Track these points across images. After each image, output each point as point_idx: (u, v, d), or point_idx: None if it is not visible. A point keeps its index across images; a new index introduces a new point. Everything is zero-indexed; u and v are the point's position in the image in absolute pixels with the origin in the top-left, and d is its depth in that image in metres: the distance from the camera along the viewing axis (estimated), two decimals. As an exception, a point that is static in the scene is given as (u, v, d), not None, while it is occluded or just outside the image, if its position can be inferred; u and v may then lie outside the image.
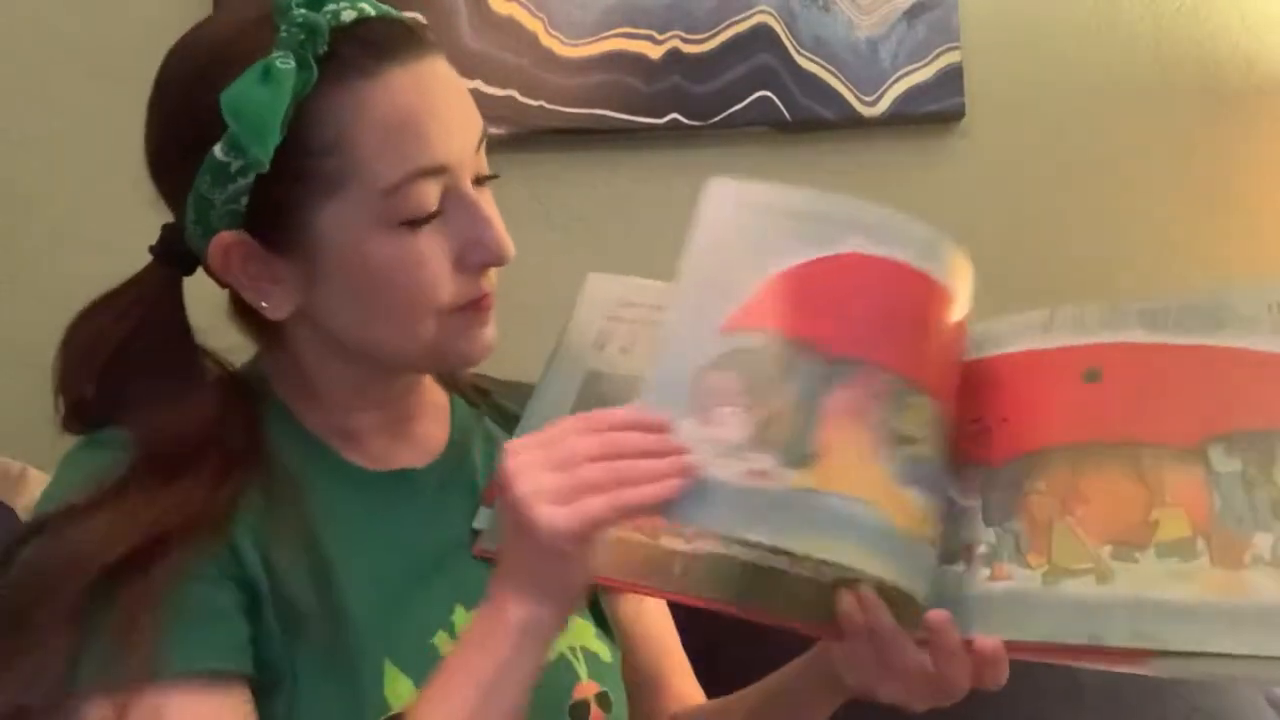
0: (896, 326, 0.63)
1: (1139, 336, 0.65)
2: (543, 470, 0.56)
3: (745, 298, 0.62)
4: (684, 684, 0.86)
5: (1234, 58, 1.33)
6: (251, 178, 0.62)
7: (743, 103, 1.29)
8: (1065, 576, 0.60)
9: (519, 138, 1.29)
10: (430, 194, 0.64)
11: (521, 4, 1.29)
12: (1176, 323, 0.64)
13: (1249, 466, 0.59)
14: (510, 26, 1.29)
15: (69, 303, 0.69)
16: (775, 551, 0.60)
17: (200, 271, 0.70)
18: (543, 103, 1.29)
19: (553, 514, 0.55)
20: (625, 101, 1.29)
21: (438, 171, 0.64)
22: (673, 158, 1.32)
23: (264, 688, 0.63)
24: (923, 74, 1.29)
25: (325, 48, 0.61)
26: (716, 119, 1.30)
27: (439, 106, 0.64)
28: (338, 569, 0.66)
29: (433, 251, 0.64)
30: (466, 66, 1.28)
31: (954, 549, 0.63)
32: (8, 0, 1.28)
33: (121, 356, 0.67)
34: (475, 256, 0.66)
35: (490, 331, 0.69)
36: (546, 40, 1.29)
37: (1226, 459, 0.59)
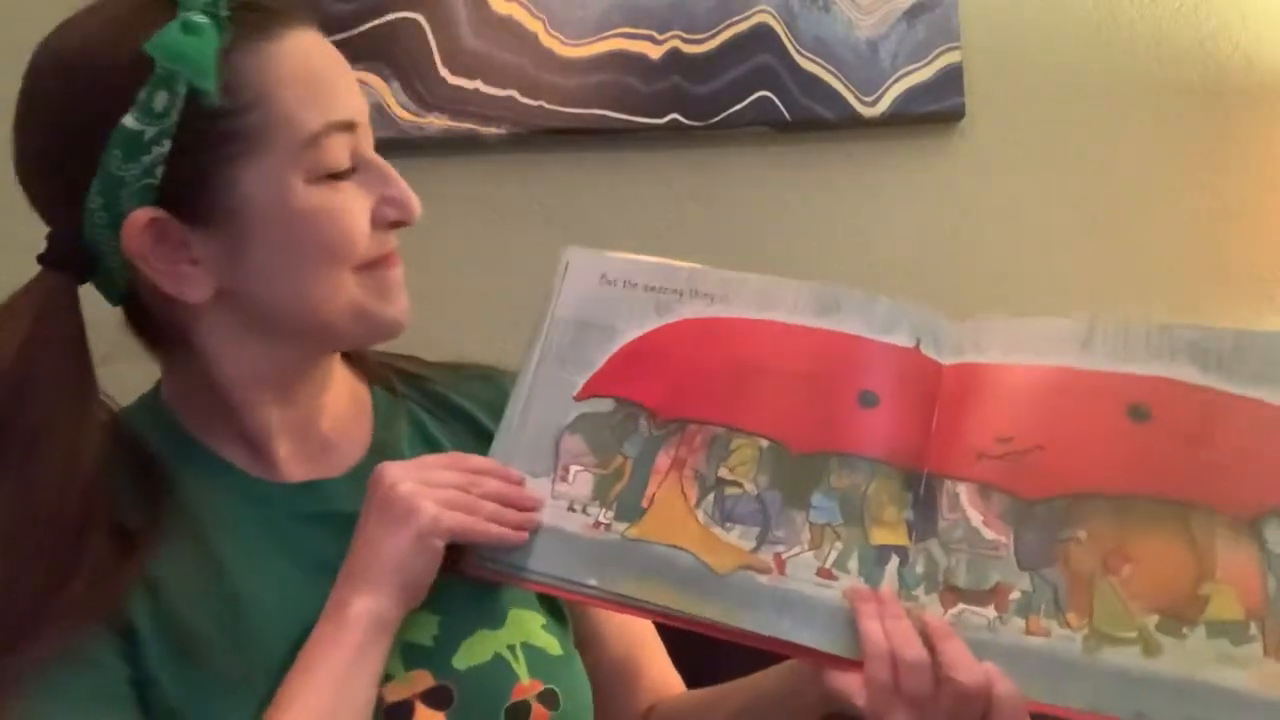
0: (719, 380, 0.69)
1: (1191, 375, 0.61)
2: (418, 481, 0.64)
3: (597, 367, 0.71)
4: (661, 672, 0.83)
5: (1234, 57, 1.31)
6: (167, 146, 0.62)
7: (743, 103, 1.28)
8: (1108, 644, 0.57)
9: (519, 138, 1.29)
10: (344, 147, 0.66)
11: (521, 4, 1.29)
12: (1230, 366, 0.60)
13: None
14: (510, 26, 1.29)
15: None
16: (606, 594, 0.65)
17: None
18: (543, 103, 1.28)
19: (437, 509, 0.62)
20: (625, 101, 1.28)
21: (349, 126, 0.66)
22: (673, 158, 1.31)
23: None
24: (922, 74, 1.28)
25: (227, 11, 0.63)
26: (716, 119, 1.29)
27: (339, 68, 0.67)
28: (245, 598, 0.65)
29: (352, 204, 0.66)
30: (466, 67, 1.28)
31: (980, 588, 0.60)
32: (7, 1, 1.24)
33: (13, 376, 0.63)
34: (388, 213, 0.68)
35: (405, 299, 0.70)
36: (546, 40, 1.29)
37: None
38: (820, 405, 0.67)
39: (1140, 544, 0.58)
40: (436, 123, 1.28)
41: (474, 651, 0.68)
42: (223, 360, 0.68)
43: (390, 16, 1.29)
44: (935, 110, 1.28)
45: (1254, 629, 0.55)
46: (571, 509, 0.67)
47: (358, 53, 1.26)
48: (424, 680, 0.66)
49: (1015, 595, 0.60)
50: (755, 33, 1.29)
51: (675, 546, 0.65)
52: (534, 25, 1.29)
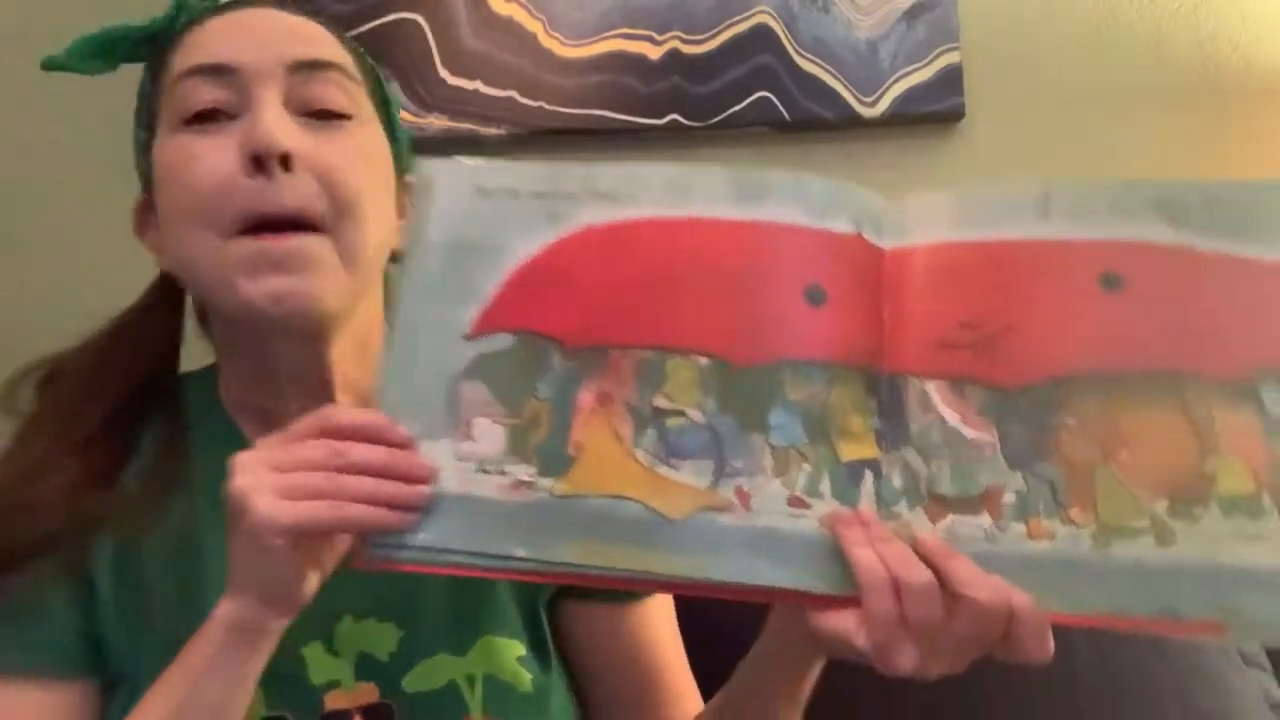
0: (639, 294, 0.58)
1: (1162, 234, 0.55)
2: (266, 468, 0.54)
3: (488, 297, 0.59)
4: (681, 709, 0.74)
5: (1234, 58, 1.33)
6: (145, 128, 0.69)
7: (742, 103, 1.28)
8: (1118, 537, 0.52)
9: (519, 138, 1.27)
10: (202, 91, 0.65)
11: (521, 4, 1.30)
12: (1202, 220, 0.55)
13: None
14: (510, 27, 1.29)
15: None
16: (543, 564, 0.55)
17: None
18: (542, 103, 1.27)
19: (271, 504, 0.53)
20: (625, 102, 1.28)
21: (217, 70, 0.65)
22: (672, 158, 1.27)
23: (110, 685, 0.64)
24: (922, 74, 1.29)
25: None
26: (716, 119, 1.28)
27: (242, 18, 0.68)
28: (210, 571, 0.64)
29: (209, 151, 0.64)
30: (466, 67, 1.27)
31: (968, 494, 0.54)
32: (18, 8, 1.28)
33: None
34: (242, 148, 0.63)
35: (284, 281, 0.63)
36: (546, 41, 1.29)
37: None
38: (762, 308, 0.58)
39: (1136, 424, 0.53)
40: (436, 123, 1.27)
41: (429, 675, 0.64)
42: (219, 356, 0.72)
43: (390, 17, 1.28)
44: (935, 110, 1.28)
45: (1267, 500, 0.51)
46: (483, 470, 0.57)
47: (358, 54, 1.25)
48: (369, 694, 0.64)
49: (1009, 498, 0.54)
50: (755, 33, 1.29)
51: (617, 496, 0.56)
52: (534, 26, 1.29)
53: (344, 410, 0.57)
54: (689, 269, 0.59)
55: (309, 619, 0.62)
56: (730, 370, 0.57)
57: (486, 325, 0.59)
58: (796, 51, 1.30)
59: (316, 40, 0.69)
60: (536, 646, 0.69)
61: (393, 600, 0.67)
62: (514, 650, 0.67)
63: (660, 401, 0.57)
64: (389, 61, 1.27)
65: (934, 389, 0.56)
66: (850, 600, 0.53)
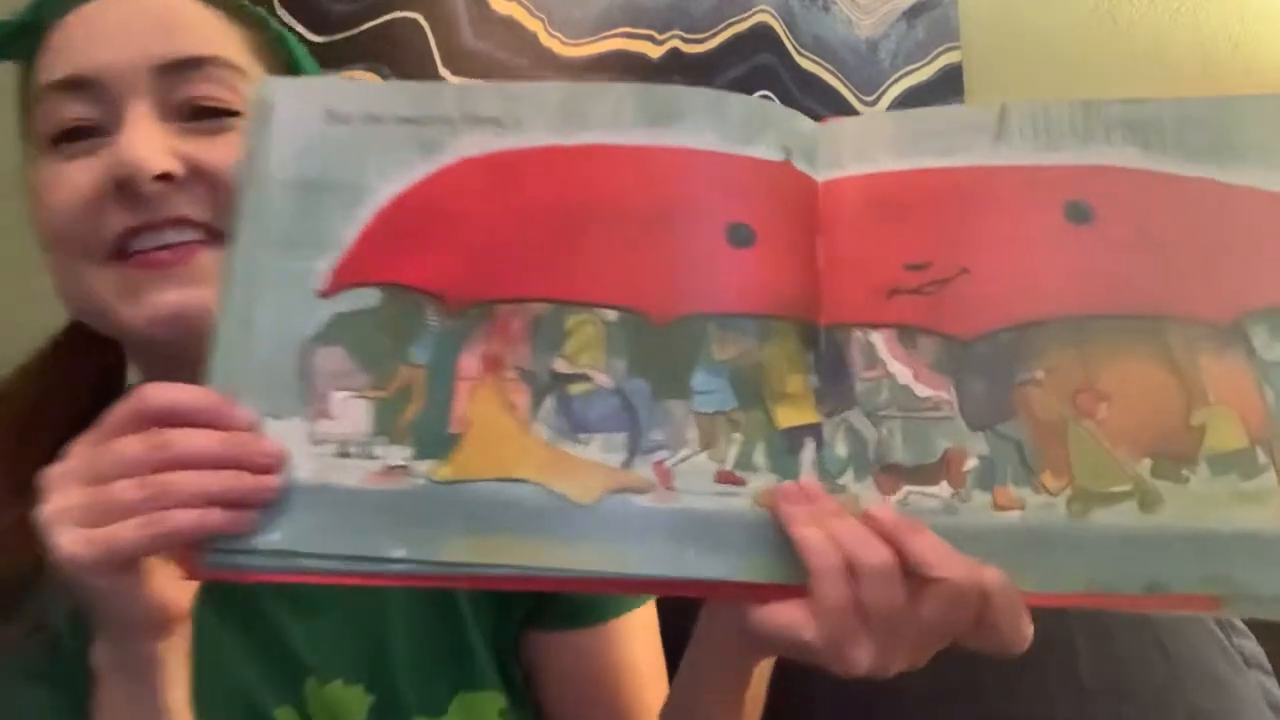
0: (530, 238, 0.49)
1: (1132, 158, 0.48)
2: (76, 482, 0.46)
3: (346, 245, 0.49)
4: None
5: (1233, 58, 1.33)
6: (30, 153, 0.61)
7: None
8: (1098, 503, 0.45)
9: None
10: (65, 108, 0.57)
11: (522, 4, 1.27)
12: (1178, 142, 0.48)
13: None
14: (510, 26, 1.27)
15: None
16: (424, 566, 0.46)
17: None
18: None
19: (72, 541, 0.44)
20: None
21: (77, 84, 0.57)
22: None
23: None
24: (922, 74, 1.30)
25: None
26: None
27: (101, 15, 0.59)
28: None
29: (76, 175, 0.57)
30: (467, 67, 1.25)
31: (924, 461, 0.47)
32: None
33: None
34: (111, 172, 0.56)
35: (169, 300, 0.56)
36: (546, 40, 1.27)
37: (1274, 342, 0.46)
38: (678, 251, 0.49)
39: (1113, 374, 0.46)
40: (437, 123, 1.21)
41: None
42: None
43: (390, 16, 1.25)
44: (935, 110, 1.30)
45: (1262, 455, 0.45)
46: (345, 454, 0.47)
47: (358, 53, 1.21)
48: None
49: (971, 463, 0.47)
50: (755, 33, 1.28)
51: (511, 479, 0.47)
52: (534, 25, 1.27)
53: (165, 389, 0.46)
54: (589, 207, 0.49)
55: (274, 681, 0.58)
56: (643, 326, 0.48)
57: (345, 279, 0.49)
58: (797, 51, 1.30)
59: (186, 30, 0.60)
60: (510, 688, 0.62)
61: (359, 657, 0.60)
62: (494, 704, 0.61)
63: (560, 365, 0.48)
64: (389, 61, 1.24)
65: (880, 341, 0.49)
66: (796, 590, 0.45)
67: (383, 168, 0.50)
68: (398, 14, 1.25)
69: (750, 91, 1.23)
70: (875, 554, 0.43)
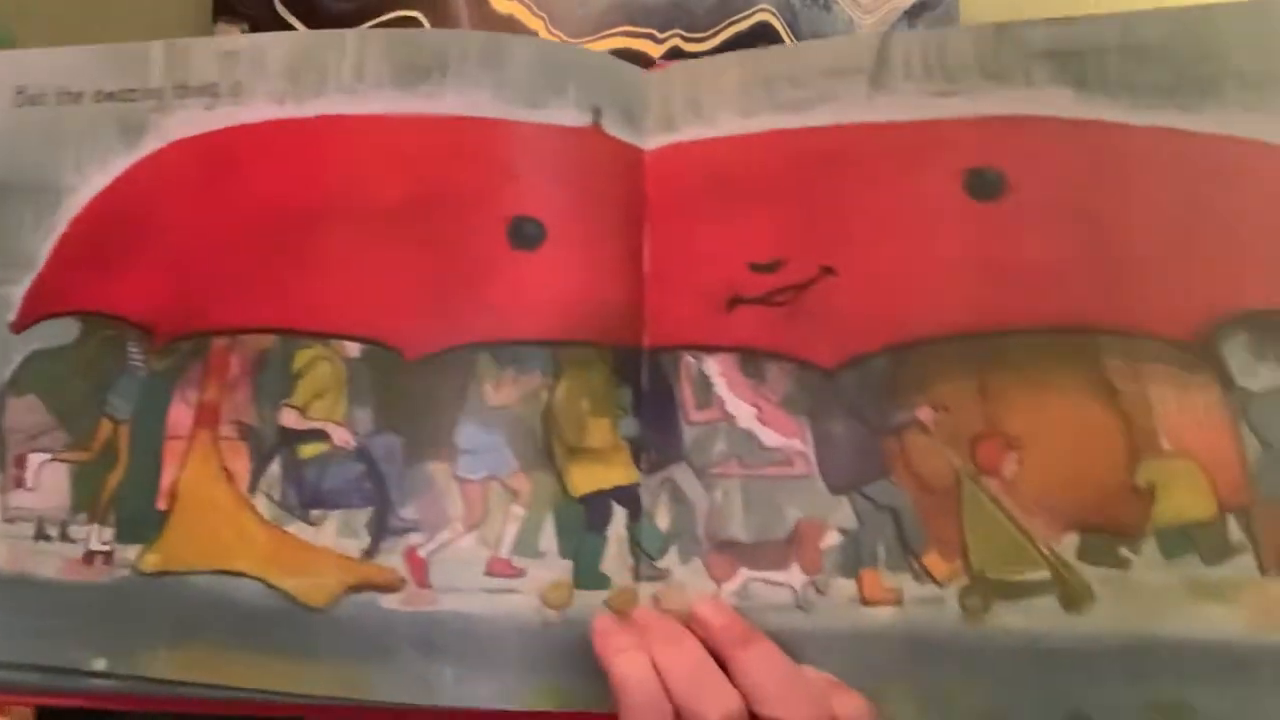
0: (250, 247, 0.37)
1: (1061, 104, 0.34)
2: None
3: (40, 263, 0.39)
4: None
5: None
6: None
7: None
8: (1002, 597, 0.33)
9: None
10: None
11: (522, 2, 1.20)
12: (1123, 78, 0.34)
13: None
14: (511, 25, 1.20)
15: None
16: (127, 683, 0.36)
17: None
18: None
19: None
20: None
21: None
22: None
23: None
24: None
25: None
26: None
27: None
28: None
29: None
30: None
31: (769, 537, 0.34)
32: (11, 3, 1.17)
33: None
34: None
35: None
36: (547, 39, 1.18)
37: (1258, 363, 0.32)
38: (443, 259, 0.36)
39: (1026, 414, 0.33)
40: (438, 123, 1.14)
41: None
42: None
43: (390, 15, 1.17)
44: (938, 111, 1.20)
45: (1236, 529, 0.31)
46: (43, 535, 0.38)
47: (359, 52, 1.13)
48: None
49: (831, 539, 0.34)
50: (756, 32, 1.20)
51: (227, 573, 0.35)
52: (534, 24, 1.22)
53: None
54: (326, 202, 0.37)
55: None
56: (394, 363, 0.36)
57: (37, 308, 0.39)
58: (799, 50, 1.24)
59: None
60: None
61: None
62: None
63: (288, 418, 0.36)
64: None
65: (717, 370, 0.36)
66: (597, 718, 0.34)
67: (80, 161, 0.39)
68: (399, 12, 1.21)
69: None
70: (717, 707, 0.31)
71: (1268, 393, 0.32)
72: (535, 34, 1.20)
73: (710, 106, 0.37)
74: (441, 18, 1.18)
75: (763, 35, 1.25)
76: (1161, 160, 0.33)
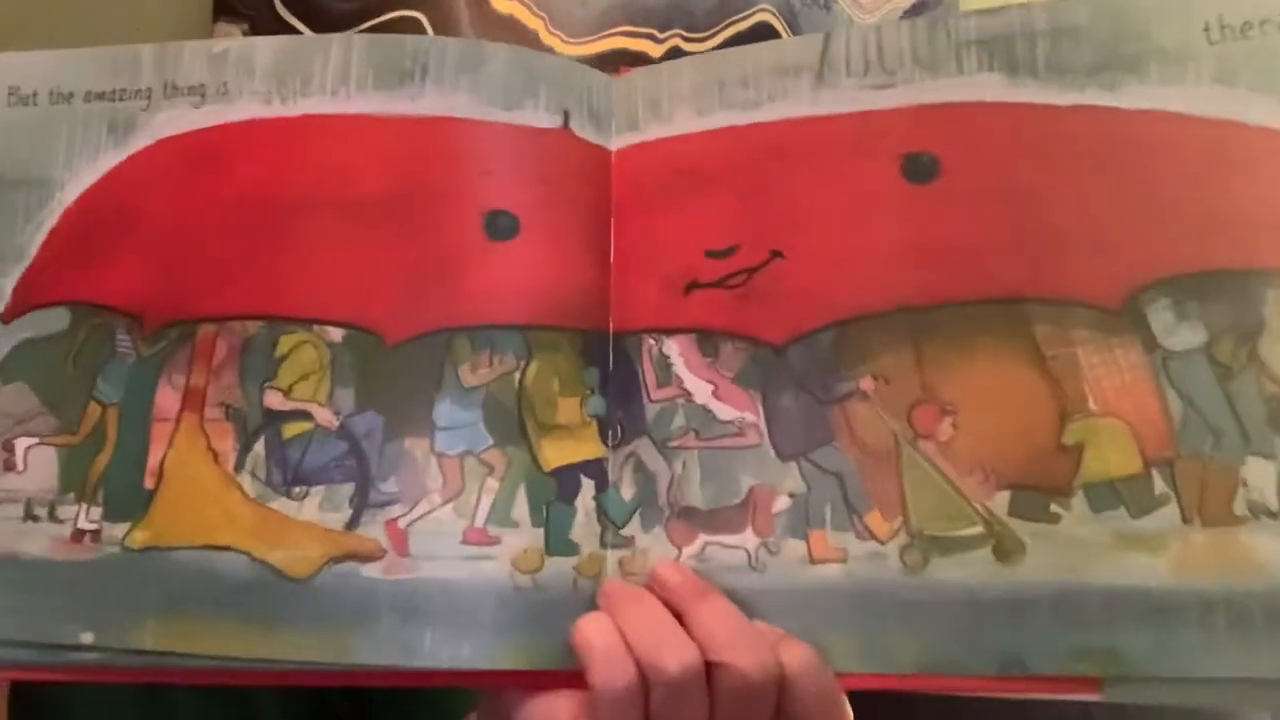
0: (237, 239, 0.39)
1: (992, 89, 0.37)
2: None
3: (30, 255, 0.40)
4: None
5: None
6: None
7: None
8: (939, 552, 0.35)
9: None
10: None
11: (522, 2, 1.23)
12: (1051, 61, 0.37)
13: (1219, 337, 0.34)
14: (511, 25, 1.23)
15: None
16: (116, 655, 0.38)
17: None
18: None
19: None
20: None
21: None
22: None
23: None
24: None
25: None
26: None
27: None
28: None
29: None
30: None
31: (726, 503, 0.37)
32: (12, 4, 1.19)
33: None
34: None
35: None
36: (547, 39, 1.22)
37: (1178, 324, 0.35)
38: (423, 249, 0.39)
39: (960, 381, 0.36)
40: (439, 122, 1.18)
41: None
42: None
43: (391, 15, 1.21)
44: (938, 111, 1.23)
45: (1161, 482, 0.34)
46: (32, 516, 0.39)
47: (360, 52, 1.17)
48: None
49: (782, 503, 0.36)
50: (756, 31, 1.24)
51: (214, 547, 0.37)
52: (534, 24, 1.25)
53: None
54: (310, 196, 0.39)
55: None
56: (375, 346, 0.38)
57: (28, 298, 0.41)
58: (799, 50, 1.27)
59: None
60: None
61: None
62: None
63: (273, 399, 0.38)
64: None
65: (676, 350, 0.38)
66: (568, 678, 0.35)
67: (70, 157, 0.41)
68: (399, 12, 1.25)
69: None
70: (676, 659, 0.33)
71: (1189, 352, 0.34)
72: (535, 34, 1.23)
73: (669, 107, 0.40)
74: (442, 18, 1.22)
75: (763, 35, 1.25)
76: (1088, 138, 0.36)
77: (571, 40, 1.27)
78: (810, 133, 0.38)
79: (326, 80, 0.40)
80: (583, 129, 0.40)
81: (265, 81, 0.40)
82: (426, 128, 0.40)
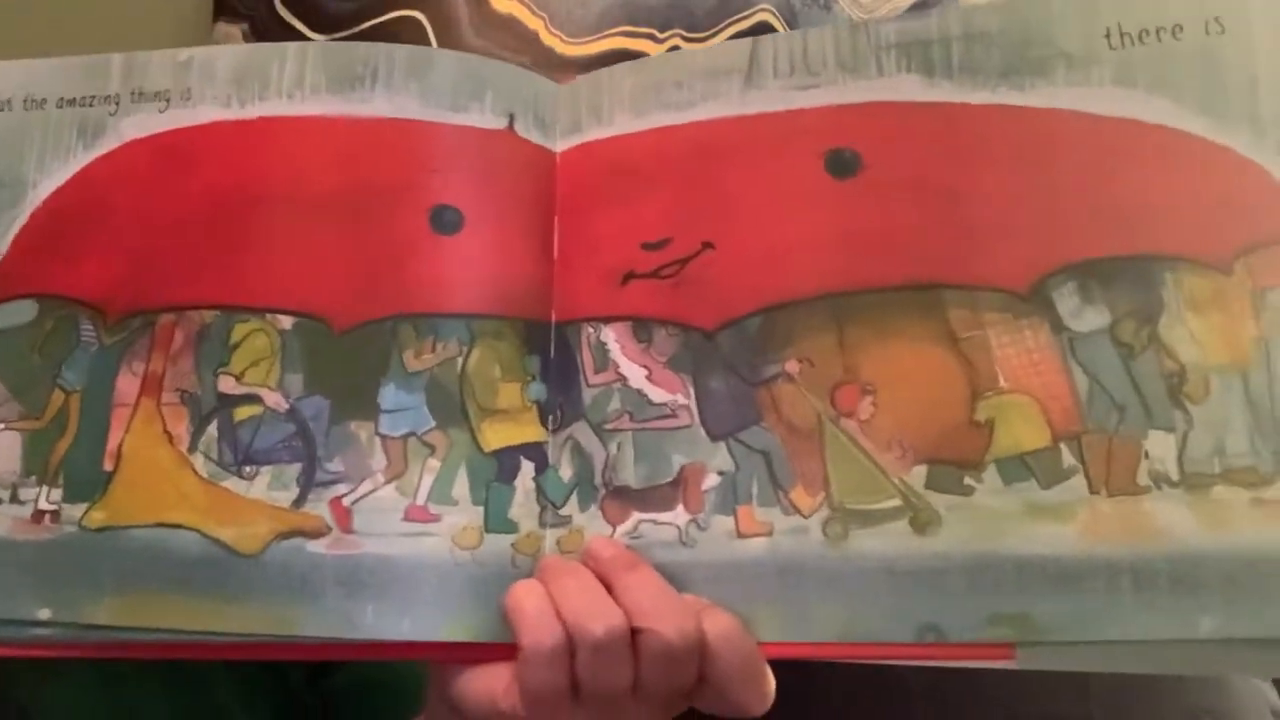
0: (196, 233, 0.41)
1: (911, 89, 0.39)
2: None
3: (1, 251, 0.43)
4: None
5: None
6: None
7: None
8: (859, 524, 0.36)
9: None
10: None
11: (523, 2, 1.22)
12: (965, 63, 0.39)
13: (1121, 318, 0.36)
14: (511, 25, 1.22)
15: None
16: (73, 631, 0.39)
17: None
18: None
19: None
20: None
21: None
22: None
23: None
24: None
25: None
26: None
27: None
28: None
29: None
30: None
31: (657, 481, 0.38)
32: (13, 4, 1.19)
33: None
34: None
35: None
36: (547, 39, 1.22)
37: (1084, 307, 0.36)
38: (370, 242, 0.41)
39: (879, 362, 0.37)
40: (439, 122, 1.19)
41: None
42: None
43: (391, 15, 1.20)
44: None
45: (1069, 455, 0.35)
46: None
47: (360, 52, 1.19)
48: None
49: (711, 481, 0.38)
50: (756, 31, 1.17)
51: (167, 525, 0.39)
52: (535, 24, 1.23)
53: None
54: (266, 193, 0.41)
55: None
56: (323, 334, 0.40)
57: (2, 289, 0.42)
58: (799, 50, 1.29)
59: None
60: None
61: None
62: None
63: (226, 384, 0.40)
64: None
65: (613, 337, 0.40)
66: (505, 650, 0.37)
67: (43, 159, 0.43)
68: (399, 12, 1.24)
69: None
70: (601, 623, 0.35)
71: (1093, 333, 0.36)
72: (535, 34, 1.22)
73: (609, 110, 0.42)
74: (442, 18, 1.22)
75: (763, 34, 1.29)
76: (998, 134, 0.38)
77: (571, 40, 1.26)
78: (739, 131, 0.40)
79: (283, 85, 0.42)
80: (528, 131, 0.42)
81: (226, 87, 0.42)
82: (377, 128, 0.42)
